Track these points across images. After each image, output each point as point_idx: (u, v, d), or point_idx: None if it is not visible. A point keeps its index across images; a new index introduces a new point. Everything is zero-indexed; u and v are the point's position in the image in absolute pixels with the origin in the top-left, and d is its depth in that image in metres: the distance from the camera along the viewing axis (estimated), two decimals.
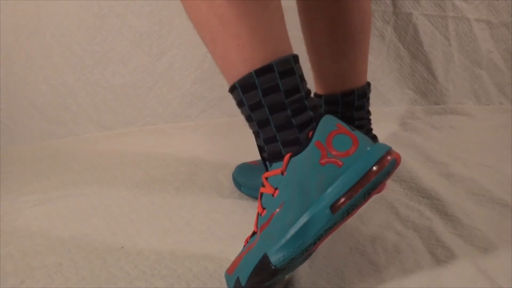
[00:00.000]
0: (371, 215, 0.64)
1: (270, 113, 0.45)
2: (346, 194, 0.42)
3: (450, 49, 1.10)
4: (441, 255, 0.54)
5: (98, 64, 1.13)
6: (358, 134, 0.45)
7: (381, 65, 1.13)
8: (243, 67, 0.45)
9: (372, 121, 0.69)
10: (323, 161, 0.43)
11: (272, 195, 0.45)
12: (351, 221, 0.63)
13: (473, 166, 0.78)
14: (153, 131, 1.11)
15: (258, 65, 0.44)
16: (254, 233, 0.48)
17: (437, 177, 0.75)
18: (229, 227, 0.65)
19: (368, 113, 0.69)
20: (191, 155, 0.96)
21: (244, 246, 0.48)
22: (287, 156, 0.45)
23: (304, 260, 0.47)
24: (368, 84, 0.69)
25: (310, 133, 0.45)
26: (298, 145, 0.46)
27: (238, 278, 0.45)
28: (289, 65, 0.45)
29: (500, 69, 1.09)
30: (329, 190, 0.42)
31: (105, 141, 1.08)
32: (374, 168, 0.42)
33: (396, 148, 0.49)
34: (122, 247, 0.61)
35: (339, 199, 0.42)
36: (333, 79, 0.67)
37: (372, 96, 1.15)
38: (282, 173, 0.45)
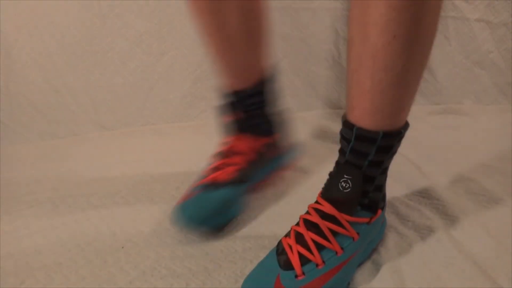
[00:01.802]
0: None
1: (389, 158, 0.50)
2: None
3: (450, 49, 1.10)
4: (441, 255, 0.54)
5: (98, 64, 1.13)
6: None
7: None
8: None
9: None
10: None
11: (353, 239, 0.50)
12: None
13: (473, 166, 0.78)
14: (153, 131, 1.11)
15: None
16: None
17: (437, 177, 0.75)
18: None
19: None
20: (191, 155, 0.96)
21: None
22: (380, 211, 0.53)
23: None
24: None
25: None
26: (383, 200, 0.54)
27: None
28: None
29: (500, 69, 1.09)
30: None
31: (105, 141, 1.08)
32: None
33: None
34: (122, 247, 0.61)
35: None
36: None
37: None
38: (368, 223, 0.51)
